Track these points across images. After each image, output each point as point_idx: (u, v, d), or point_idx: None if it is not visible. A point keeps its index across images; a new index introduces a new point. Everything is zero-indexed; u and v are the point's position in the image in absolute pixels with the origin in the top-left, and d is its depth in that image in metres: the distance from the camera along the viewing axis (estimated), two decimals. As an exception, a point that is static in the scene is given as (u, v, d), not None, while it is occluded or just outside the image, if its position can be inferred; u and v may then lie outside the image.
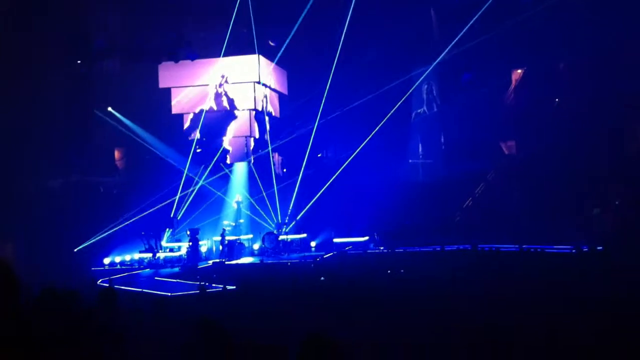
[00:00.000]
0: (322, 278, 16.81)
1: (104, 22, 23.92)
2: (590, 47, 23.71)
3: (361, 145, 25.54)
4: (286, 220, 24.72)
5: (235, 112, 25.79)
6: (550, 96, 26.88)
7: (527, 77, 27.53)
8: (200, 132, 25.96)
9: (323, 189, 24.99)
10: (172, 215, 23.97)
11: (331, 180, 25.22)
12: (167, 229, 23.68)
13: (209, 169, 25.31)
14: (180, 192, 24.46)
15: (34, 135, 20.55)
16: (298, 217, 25.07)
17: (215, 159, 25.44)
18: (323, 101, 24.84)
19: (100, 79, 24.15)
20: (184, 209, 24.55)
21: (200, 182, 24.97)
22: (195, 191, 24.89)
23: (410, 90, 26.92)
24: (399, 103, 25.89)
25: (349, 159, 25.74)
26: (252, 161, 26.22)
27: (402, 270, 17.02)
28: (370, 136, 25.37)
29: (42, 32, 20.34)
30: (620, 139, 23.59)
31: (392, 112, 25.56)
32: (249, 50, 24.98)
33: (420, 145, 29.28)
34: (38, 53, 20.44)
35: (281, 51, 25.40)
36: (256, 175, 25.79)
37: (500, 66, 27.02)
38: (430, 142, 29.20)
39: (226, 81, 25.65)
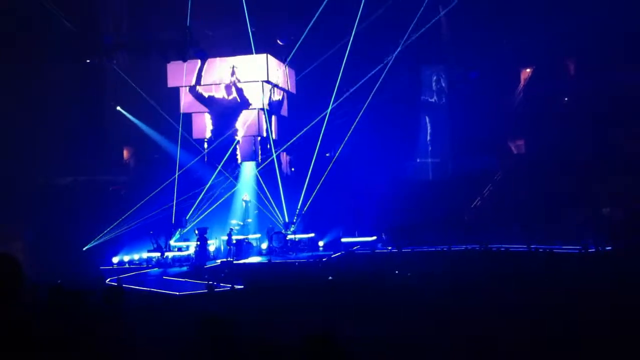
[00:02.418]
0: (330, 277, 16.80)
1: (113, 19, 23.95)
2: (598, 45, 23.65)
3: (346, 137, 25.39)
4: (294, 220, 24.70)
5: (244, 111, 25.74)
6: (559, 95, 26.80)
7: (536, 76, 27.45)
8: (213, 124, 25.93)
9: (318, 185, 24.94)
10: (173, 221, 23.97)
11: (325, 175, 25.17)
12: (177, 229, 23.72)
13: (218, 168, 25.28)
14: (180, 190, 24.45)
15: (43, 133, 20.64)
16: (303, 212, 24.99)
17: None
18: (331, 102, 24.80)
19: (109, 77, 24.19)
20: (193, 210, 24.51)
21: (209, 182, 24.92)
22: (204, 191, 24.83)
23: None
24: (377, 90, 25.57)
25: (336, 155, 25.69)
26: (260, 160, 26.21)
27: (409, 274, 16.93)
28: (355, 123, 25.19)
29: (52, 29, 20.42)
30: (630, 137, 23.43)
31: (366, 98, 25.27)
32: (257, 49, 24.93)
33: (428, 144, 29.23)
34: (47, 50, 20.51)
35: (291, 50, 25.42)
36: (260, 177, 25.75)
37: (509, 65, 26.94)
38: (439, 141, 29.15)
39: (233, 73, 25.58)
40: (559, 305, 11.09)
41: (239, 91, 25.58)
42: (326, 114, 25.02)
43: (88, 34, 22.92)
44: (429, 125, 29.33)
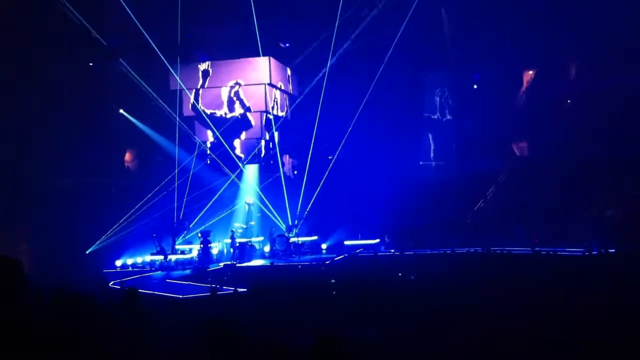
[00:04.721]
0: (333, 280, 16.78)
1: (117, 21, 23.91)
2: (601, 47, 23.66)
3: (342, 141, 25.46)
4: (295, 222, 24.70)
5: (248, 114, 25.73)
6: (562, 97, 26.76)
7: (539, 78, 27.42)
8: (214, 136, 25.98)
9: (318, 188, 24.99)
10: (181, 217, 24.00)
11: (323, 179, 25.23)
12: (179, 233, 23.72)
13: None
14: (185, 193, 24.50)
15: (46, 135, 20.66)
16: (304, 215, 25.00)
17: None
18: (320, 100, 24.90)
19: (112, 79, 24.19)
20: (184, 206, 24.52)
21: (191, 173, 24.97)
22: (188, 179, 24.78)
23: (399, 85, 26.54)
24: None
25: (334, 156, 25.69)
26: (263, 163, 26.24)
27: (412, 277, 16.90)
28: (351, 125, 25.26)
29: (56, 30, 20.44)
30: (634, 139, 23.34)
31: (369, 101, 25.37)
32: (260, 51, 24.94)
33: (431, 147, 29.22)
34: (50, 52, 20.53)
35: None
36: (257, 181, 25.81)
37: (511, 67, 26.93)
38: (442, 144, 29.12)
39: (238, 85, 25.62)
40: (562, 309, 11.06)
41: (244, 107, 25.55)
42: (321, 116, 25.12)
43: (91, 36, 22.94)
44: (433, 128, 29.32)
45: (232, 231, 23.39)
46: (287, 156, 27.79)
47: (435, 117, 29.12)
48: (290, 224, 24.73)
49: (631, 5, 22.22)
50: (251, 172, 26.38)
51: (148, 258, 22.68)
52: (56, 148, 21.21)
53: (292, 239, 23.96)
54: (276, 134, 26.39)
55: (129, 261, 22.70)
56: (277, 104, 26.55)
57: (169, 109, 25.10)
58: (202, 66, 25.70)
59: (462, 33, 25.97)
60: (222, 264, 21.92)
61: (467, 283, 14.71)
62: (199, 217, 24.47)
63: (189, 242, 23.64)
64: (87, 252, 22.02)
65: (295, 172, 28.19)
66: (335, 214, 25.36)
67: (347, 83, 25.23)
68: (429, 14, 24.77)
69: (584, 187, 23.39)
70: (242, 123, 25.78)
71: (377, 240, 24.56)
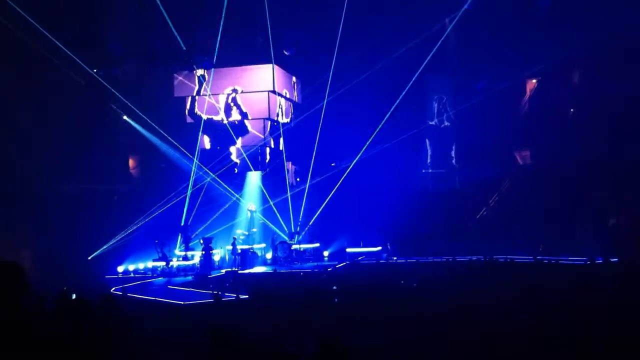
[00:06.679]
0: (335, 287, 16.76)
1: (120, 27, 23.99)
2: (604, 55, 23.67)
3: (360, 153, 25.50)
4: (298, 229, 24.71)
5: (247, 121, 25.77)
6: (565, 105, 26.76)
7: (541, 85, 27.44)
8: (211, 142, 26.04)
9: (329, 196, 25.02)
10: (183, 224, 24.02)
11: (336, 187, 25.28)
12: (180, 239, 23.73)
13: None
14: (190, 198, 24.55)
15: (50, 141, 20.70)
16: (310, 223, 25.05)
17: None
18: (323, 108, 25.01)
19: (115, 85, 24.26)
20: (193, 214, 24.55)
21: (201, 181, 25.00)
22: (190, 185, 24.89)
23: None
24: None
25: (349, 167, 25.75)
26: (267, 170, 26.25)
27: (414, 284, 16.88)
28: (368, 142, 25.34)
29: (59, 36, 20.51)
30: (636, 148, 23.31)
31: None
32: (264, 59, 25.02)
33: (433, 155, 29.22)
34: (54, 59, 20.58)
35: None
36: (263, 188, 25.81)
37: (514, 76, 26.95)
38: (444, 152, 29.13)
39: (235, 92, 25.67)
40: (562, 315, 11.04)
41: (242, 113, 25.58)
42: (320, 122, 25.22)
43: (95, 42, 23.01)
44: (434, 136, 29.32)
45: (234, 238, 23.40)
46: (290, 163, 27.83)
47: (433, 123, 29.13)
48: (293, 230, 24.74)
49: (633, 11, 22.23)
50: (254, 179, 26.38)
51: (150, 264, 22.68)
52: (59, 154, 21.23)
53: (294, 246, 23.97)
54: (281, 141, 26.46)
55: (131, 267, 22.70)
56: (282, 111, 26.60)
57: (172, 116, 25.19)
58: (199, 72, 25.75)
59: (465, 40, 26.01)
60: (224, 271, 21.92)
61: (468, 292, 14.67)
62: (191, 216, 24.47)
63: (191, 249, 23.64)
64: (89, 258, 22.03)
65: (298, 179, 28.22)
66: (337, 221, 25.36)
67: (350, 91, 25.28)
68: (431, 22, 24.85)
69: (588, 194, 23.34)
70: (240, 130, 25.82)
71: (379, 248, 24.56)
